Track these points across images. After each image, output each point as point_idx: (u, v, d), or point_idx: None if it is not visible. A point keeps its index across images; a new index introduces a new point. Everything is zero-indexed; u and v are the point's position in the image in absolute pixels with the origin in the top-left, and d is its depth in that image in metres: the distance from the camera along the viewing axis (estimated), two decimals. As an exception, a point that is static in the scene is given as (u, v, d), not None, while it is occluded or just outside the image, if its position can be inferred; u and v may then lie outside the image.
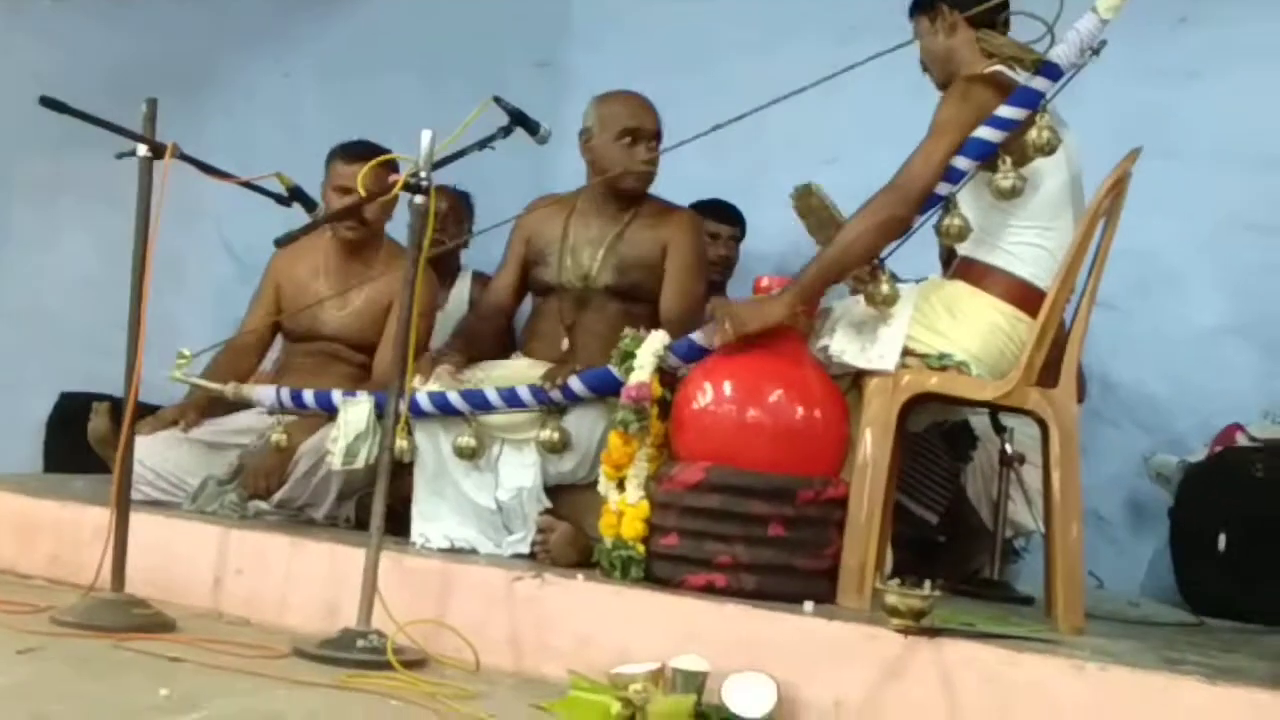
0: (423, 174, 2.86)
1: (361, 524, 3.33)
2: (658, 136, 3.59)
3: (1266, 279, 4.16)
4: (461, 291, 4.59)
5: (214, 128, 5.05)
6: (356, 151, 3.80)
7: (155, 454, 3.63)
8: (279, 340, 4.07)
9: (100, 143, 3.06)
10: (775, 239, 4.36)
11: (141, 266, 2.97)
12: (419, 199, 2.87)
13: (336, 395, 3.43)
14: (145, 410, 3.56)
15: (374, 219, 3.85)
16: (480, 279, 4.61)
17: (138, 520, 3.00)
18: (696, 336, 3.04)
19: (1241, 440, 3.90)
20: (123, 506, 2.94)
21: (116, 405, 3.78)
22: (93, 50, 5.53)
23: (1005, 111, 2.89)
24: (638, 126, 3.57)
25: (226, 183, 3.18)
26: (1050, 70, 2.88)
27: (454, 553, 3.20)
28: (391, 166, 3.21)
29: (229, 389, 3.61)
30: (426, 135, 2.89)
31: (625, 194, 3.58)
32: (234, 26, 5.57)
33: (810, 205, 3.25)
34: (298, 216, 3.42)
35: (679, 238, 3.59)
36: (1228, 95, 4.22)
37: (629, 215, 3.61)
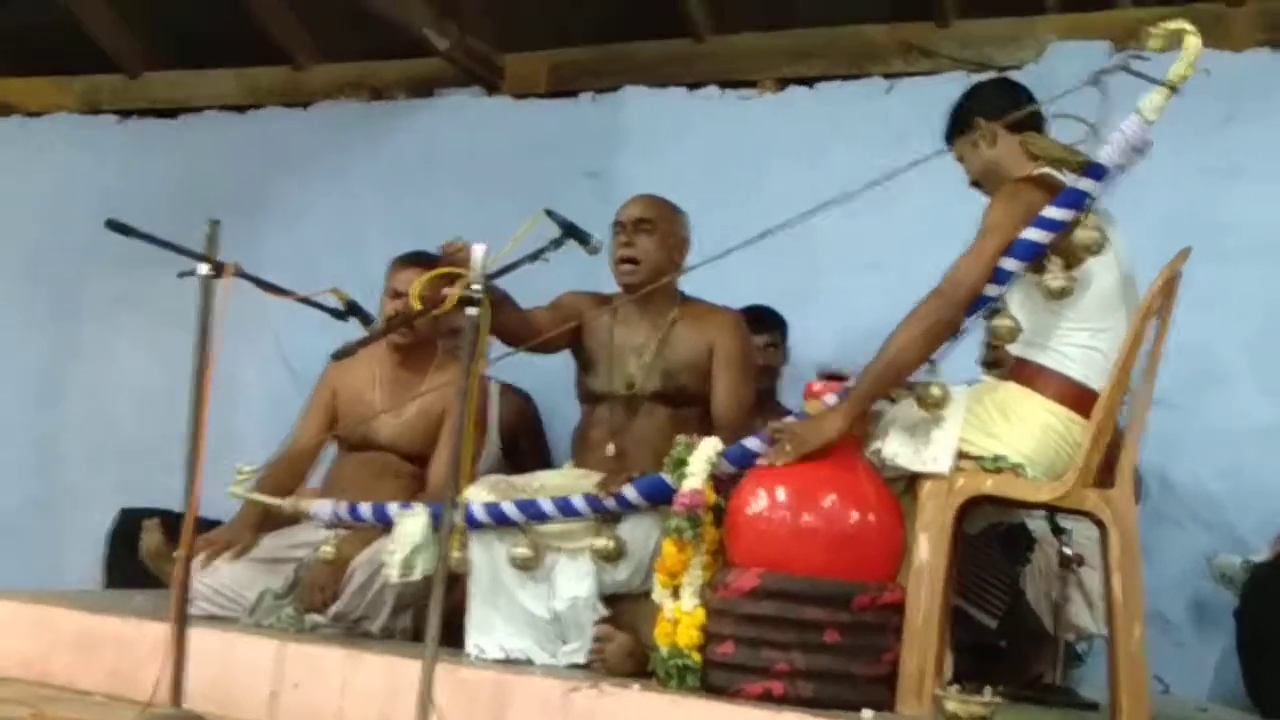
0: (476, 286, 2.91)
1: (418, 636, 3.33)
2: (643, 225, 3.61)
3: (1320, 375, 4.13)
4: (490, 406, 4.51)
5: (273, 244, 5.16)
6: (412, 258, 3.89)
7: (211, 571, 3.66)
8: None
9: (163, 262, 3.13)
10: (825, 343, 4.37)
11: (201, 382, 3.02)
12: (471, 311, 2.91)
13: (393, 508, 3.46)
14: (204, 525, 3.60)
15: (425, 329, 3.89)
16: (507, 391, 4.63)
17: (195, 634, 3.01)
18: (750, 443, 3.04)
19: (1305, 539, 3.84)
20: (181, 620, 2.96)
21: (167, 521, 3.84)
22: (156, 170, 5.71)
23: (1052, 213, 2.90)
24: (619, 220, 3.63)
25: (285, 299, 3.24)
26: (1096, 171, 2.90)
27: (509, 663, 3.19)
28: (447, 279, 3.26)
29: (286, 504, 3.64)
30: (480, 248, 2.93)
31: (623, 288, 3.61)
32: (291, 144, 5.72)
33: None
34: (354, 330, 3.48)
35: (724, 339, 3.61)
36: (1271, 191, 4.22)
37: (672, 318, 3.63)
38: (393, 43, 5.59)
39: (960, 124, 3.19)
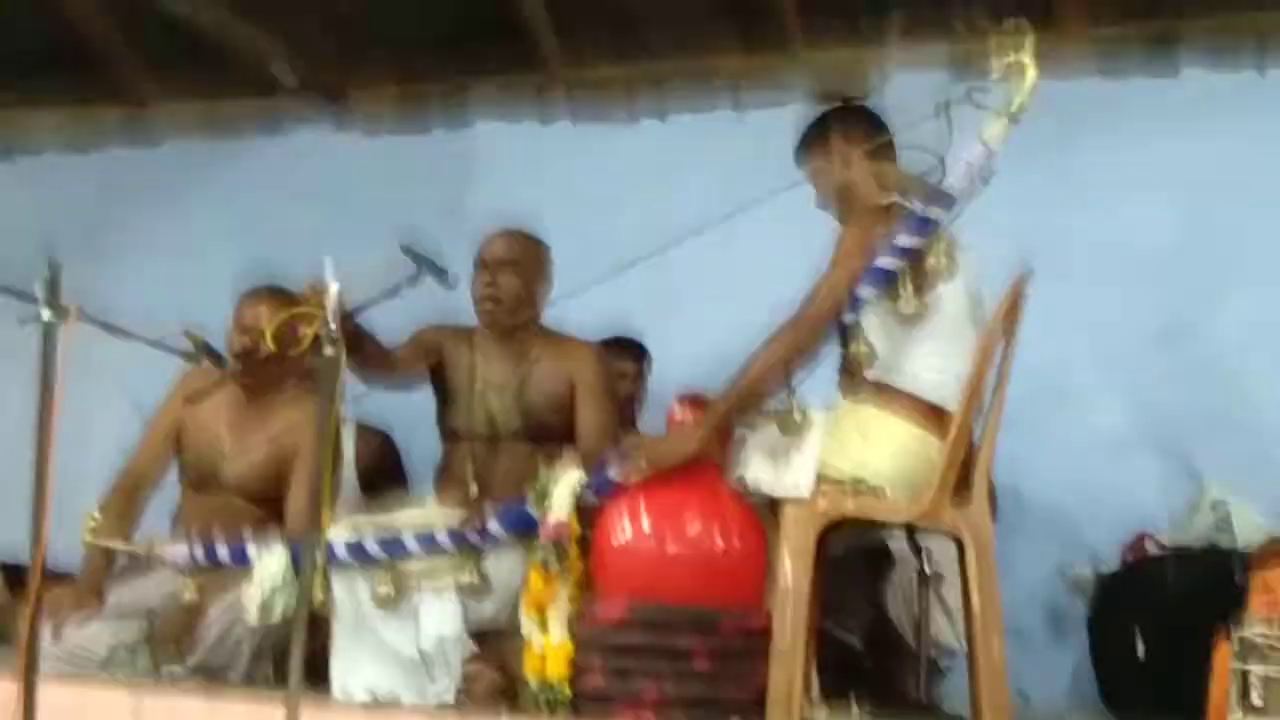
0: (331, 325, 2.86)
1: (281, 680, 3.25)
2: (506, 265, 3.60)
3: (1162, 389, 4.29)
4: (345, 445, 4.47)
5: (120, 288, 5.00)
6: (261, 293, 3.80)
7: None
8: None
9: (1, 307, 3.03)
10: (684, 370, 4.39)
11: (45, 430, 2.93)
12: (327, 351, 2.86)
13: (251, 547, 3.38)
14: (51, 577, 3.48)
15: (276, 368, 3.80)
16: (364, 430, 4.57)
17: (46, 691, 2.90)
18: (614, 473, 3.04)
19: (1152, 548, 3.97)
20: (30, 676, 2.85)
21: (8, 574, 3.69)
22: (-14, 214, 5.52)
23: (903, 240, 2.97)
24: (480, 257, 3.62)
25: (133, 342, 3.16)
26: (943, 199, 2.97)
27: (377, 704, 3.14)
28: (301, 318, 3.20)
29: (142, 548, 3.54)
30: (334, 286, 2.89)
31: (485, 324, 3.59)
32: (134, 180, 5.59)
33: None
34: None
35: (584, 371, 3.61)
36: (1111, 214, 4.38)
37: (532, 353, 3.62)
38: (237, 78, 5.50)
39: (816, 141, 3.24)
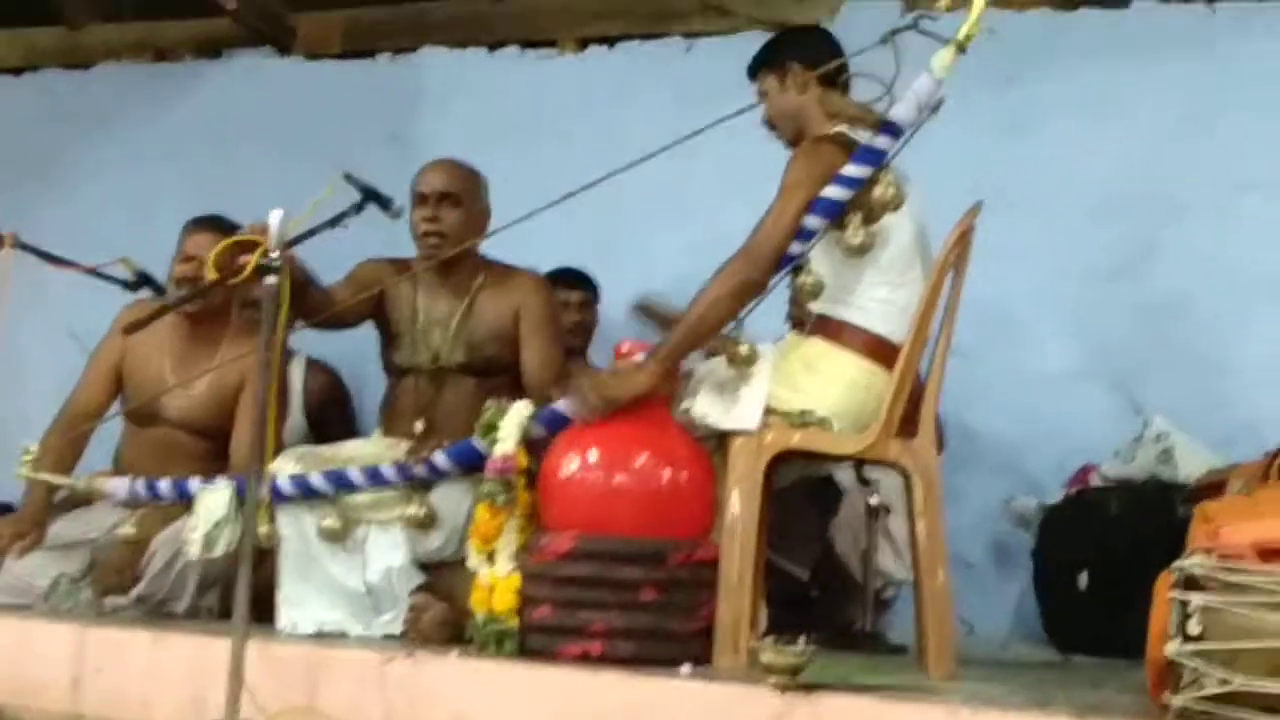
0: (274, 254, 2.82)
1: (225, 614, 3.24)
2: (447, 198, 3.55)
3: (1107, 322, 4.31)
4: (294, 379, 4.38)
5: (55, 213, 4.94)
6: (205, 222, 3.73)
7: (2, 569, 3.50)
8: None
9: (-66, 235, 2.98)
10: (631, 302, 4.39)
11: (-17, 361, 2.88)
12: (270, 280, 2.83)
13: (194, 483, 3.35)
14: (-6, 509, 3.45)
15: (220, 299, 3.74)
16: (313, 366, 4.53)
17: (-12, 624, 2.89)
18: (562, 406, 3.03)
19: (1095, 480, 4.00)
20: (-29, 611, 2.83)
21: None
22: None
23: (851, 170, 2.95)
24: (419, 190, 3.57)
25: (70, 271, 3.11)
26: (891, 129, 2.95)
27: (323, 637, 3.13)
28: (243, 245, 3.15)
29: (81, 483, 3.50)
30: (276, 215, 2.85)
31: (427, 259, 3.55)
32: (72, 108, 5.48)
33: (653, 315, 3.39)
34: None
35: (528, 301, 3.58)
36: (1058, 147, 4.38)
37: (475, 285, 3.58)
38: (177, 1, 5.38)
39: (772, 61, 3.20)
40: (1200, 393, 4.15)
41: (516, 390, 3.45)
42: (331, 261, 3.44)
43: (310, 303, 3.30)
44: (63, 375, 4.04)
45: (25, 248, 2.98)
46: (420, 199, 3.55)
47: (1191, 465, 3.85)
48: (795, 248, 2.96)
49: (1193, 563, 2.33)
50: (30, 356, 4.98)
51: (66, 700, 3.08)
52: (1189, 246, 4.26)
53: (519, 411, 3.04)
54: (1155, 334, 4.25)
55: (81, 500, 3.71)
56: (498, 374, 3.55)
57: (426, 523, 3.19)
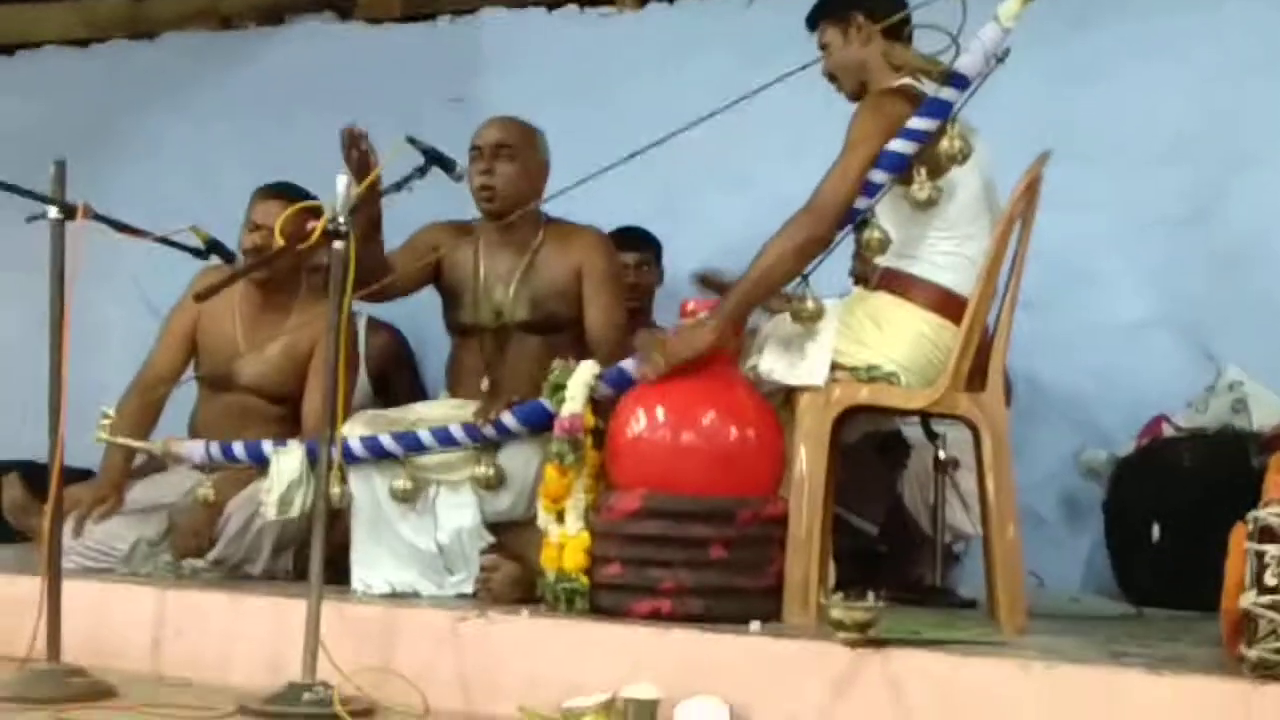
0: (341, 219, 2.84)
1: (301, 575, 3.28)
2: (501, 150, 3.53)
3: (1178, 270, 4.24)
4: (358, 342, 4.38)
5: (125, 183, 4.99)
6: (274, 190, 3.77)
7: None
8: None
9: (10, 206, 3.02)
10: (697, 261, 4.37)
11: (59, 330, 2.93)
12: (338, 244, 2.85)
13: (268, 446, 3.40)
14: (71, 475, 3.51)
15: (289, 265, 3.78)
16: (375, 326, 4.56)
17: (70, 587, 2.94)
18: (628, 365, 3.04)
19: (1168, 431, 3.95)
20: (54, 573, 2.89)
21: (28, 474, 3.73)
22: (-7, 113, 5.48)
23: (917, 123, 2.92)
24: (475, 145, 3.56)
25: (142, 240, 3.15)
26: (957, 80, 2.92)
27: (396, 597, 3.17)
28: (311, 212, 3.18)
29: (157, 447, 3.56)
30: (342, 180, 2.87)
31: (484, 215, 3.55)
32: (136, 78, 5.53)
33: (713, 285, 3.45)
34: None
35: (591, 259, 3.57)
36: (1127, 93, 4.29)
37: (536, 242, 3.59)
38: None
39: (835, 12, 3.16)
40: (1274, 340, 4.08)
41: (581, 347, 3.46)
42: (396, 224, 3.46)
43: (366, 269, 3.29)
44: (137, 342, 4.10)
45: (99, 218, 3.02)
46: (476, 153, 3.55)
47: (1266, 414, 3.80)
48: (861, 202, 2.94)
49: (1269, 513, 2.30)
50: (106, 324, 5.06)
51: (147, 661, 3.15)
52: (1261, 192, 4.18)
53: (586, 371, 3.05)
54: (1227, 282, 4.17)
55: (158, 465, 3.78)
56: (561, 331, 3.55)
57: (495, 483, 3.21)
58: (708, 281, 3.56)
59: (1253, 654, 2.26)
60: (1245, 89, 4.21)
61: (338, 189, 2.86)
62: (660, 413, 2.90)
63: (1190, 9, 4.29)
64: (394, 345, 4.63)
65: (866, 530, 3.67)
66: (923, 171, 2.92)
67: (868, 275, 3.10)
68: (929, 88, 2.98)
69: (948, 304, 2.97)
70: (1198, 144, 4.23)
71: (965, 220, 2.99)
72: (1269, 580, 2.26)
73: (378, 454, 3.24)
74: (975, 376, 2.97)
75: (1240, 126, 4.20)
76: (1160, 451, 3.92)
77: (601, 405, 3.04)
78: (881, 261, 3.02)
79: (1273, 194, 4.16)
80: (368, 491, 3.26)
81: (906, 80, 3.05)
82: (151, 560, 3.55)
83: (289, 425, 3.73)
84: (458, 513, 3.23)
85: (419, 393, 4.39)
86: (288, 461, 3.27)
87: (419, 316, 4.24)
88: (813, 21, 3.21)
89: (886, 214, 2.97)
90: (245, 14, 5.62)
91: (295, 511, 3.25)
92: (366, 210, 3.07)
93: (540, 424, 3.13)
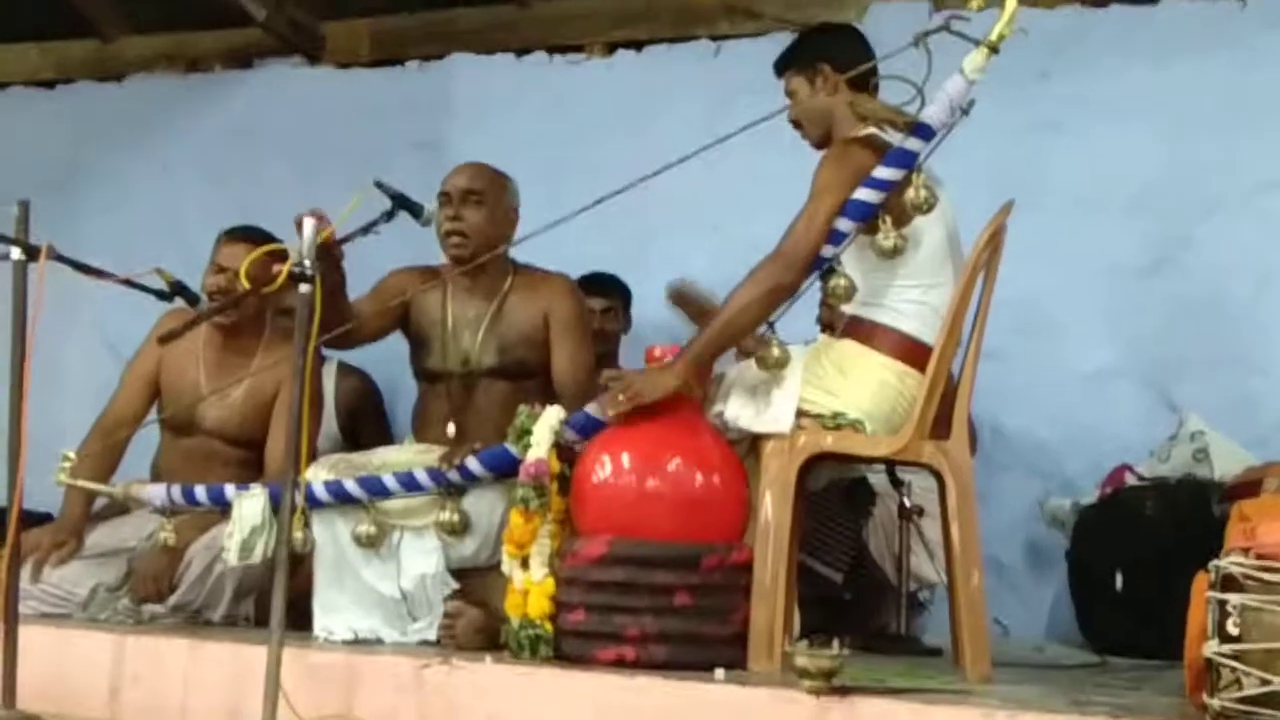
0: (306, 262, 2.83)
1: (262, 621, 3.25)
2: (470, 196, 3.54)
3: (1141, 320, 4.28)
4: (325, 385, 4.38)
5: (89, 225, 4.98)
6: (238, 233, 3.76)
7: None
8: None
9: (-29, 248, 3.00)
10: (661, 309, 4.38)
11: (20, 372, 2.91)
12: (304, 288, 2.84)
13: (230, 489, 3.37)
14: (32, 519, 3.47)
15: (253, 308, 3.76)
16: (346, 371, 4.55)
17: (27, 633, 2.91)
18: (592, 409, 3.03)
19: (1130, 480, 3.98)
20: (11, 618, 2.85)
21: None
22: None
23: (883, 173, 2.94)
24: (444, 190, 3.57)
25: (106, 282, 3.13)
26: (922, 131, 2.94)
27: (359, 644, 3.15)
28: (276, 255, 3.17)
29: (118, 491, 3.52)
30: (309, 223, 2.86)
31: (452, 261, 3.56)
32: (102, 120, 5.52)
33: (687, 300, 3.39)
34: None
35: (558, 305, 3.58)
36: (1090, 145, 4.36)
37: (505, 288, 3.59)
38: (207, 12, 5.41)
39: (801, 61, 3.19)
40: (1235, 391, 4.13)
41: (548, 394, 3.46)
42: (363, 269, 3.46)
43: (333, 317, 3.28)
44: (99, 385, 4.08)
45: (62, 259, 3.00)
46: (445, 198, 3.56)
47: (1227, 464, 3.82)
48: (827, 251, 2.96)
49: (1230, 562, 2.31)
50: (67, 367, 5.02)
51: (105, 709, 3.11)
52: (1222, 243, 4.23)
53: (551, 416, 3.04)
54: (1189, 332, 4.22)
55: (119, 509, 3.74)
56: (528, 377, 3.55)
57: (459, 528, 3.19)
58: (681, 296, 3.55)
59: (1215, 703, 2.27)
60: (1203, 142, 4.27)
61: (304, 232, 2.85)
62: (626, 459, 2.89)
63: (1151, 64, 4.36)
64: (364, 391, 4.62)
65: (832, 578, 3.67)
66: (888, 220, 2.94)
67: (834, 323, 3.11)
68: (894, 138, 3.01)
69: (913, 352, 2.98)
70: (1159, 195, 4.29)
71: (930, 269, 3.01)
72: (1231, 629, 2.27)
73: (341, 499, 3.21)
74: (940, 424, 2.98)
75: (1201, 178, 4.26)
76: (1123, 500, 3.94)
77: (567, 451, 3.04)
78: (847, 309, 3.03)
79: (1234, 244, 4.22)
80: (331, 537, 3.23)
81: (872, 130, 3.07)
82: (110, 605, 3.51)
83: (252, 469, 3.71)
84: (422, 558, 3.21)
85: (387, 437, 4.38)
86: (250, 506, 3.24)
87: (391, 362, 4.22)
88: (779, 69, 3.23)
89: (852, 262, 2.99)
90: (212, 57, 5.62)
91: (257, 557, 3.22)
92: (329, 258, 3.06)
93: (505, 469, 3.12)
